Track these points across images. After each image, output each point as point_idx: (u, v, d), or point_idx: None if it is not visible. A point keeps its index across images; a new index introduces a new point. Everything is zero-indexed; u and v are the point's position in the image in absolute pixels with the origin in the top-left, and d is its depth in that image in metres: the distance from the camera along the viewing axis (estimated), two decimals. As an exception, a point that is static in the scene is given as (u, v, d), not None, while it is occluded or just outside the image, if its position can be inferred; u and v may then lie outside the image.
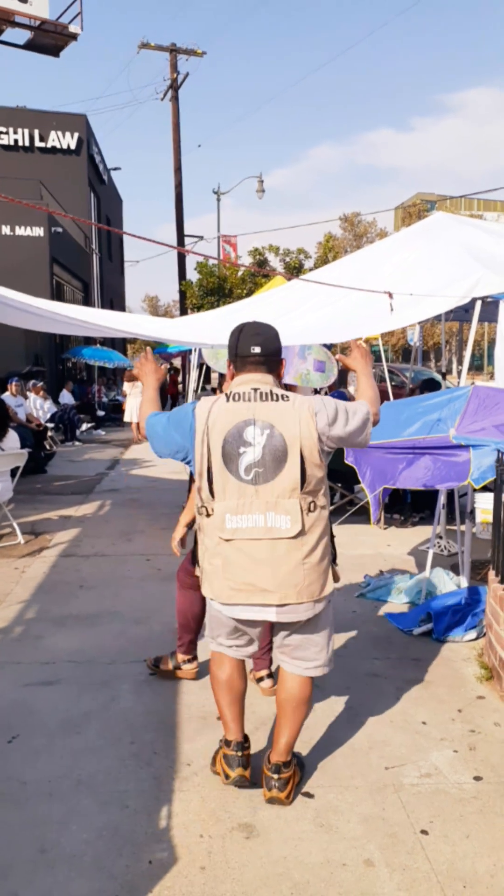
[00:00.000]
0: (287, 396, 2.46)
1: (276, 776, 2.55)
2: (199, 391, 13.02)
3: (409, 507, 6.86)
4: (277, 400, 2.43)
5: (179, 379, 22.17)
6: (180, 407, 2.55)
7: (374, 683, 3.53)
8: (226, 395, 2.47)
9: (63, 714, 3.22)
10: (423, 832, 2.42)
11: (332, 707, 3.29)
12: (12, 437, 6.21)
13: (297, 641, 2.57)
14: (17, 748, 2.93)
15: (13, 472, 6.32)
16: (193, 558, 2.78)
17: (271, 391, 2.45)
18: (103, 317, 6.84)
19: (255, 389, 2.44)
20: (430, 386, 7.79)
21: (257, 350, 2.49)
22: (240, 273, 21.77)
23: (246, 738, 2.68)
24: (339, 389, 8.33)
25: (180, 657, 3.54)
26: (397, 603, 4.63)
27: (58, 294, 17.93)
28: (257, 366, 2.50)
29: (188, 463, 2.54)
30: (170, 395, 21.08)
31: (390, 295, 4.69)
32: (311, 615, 2.48)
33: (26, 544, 6.12)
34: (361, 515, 6.88)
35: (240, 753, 2.60)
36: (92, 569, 5.45)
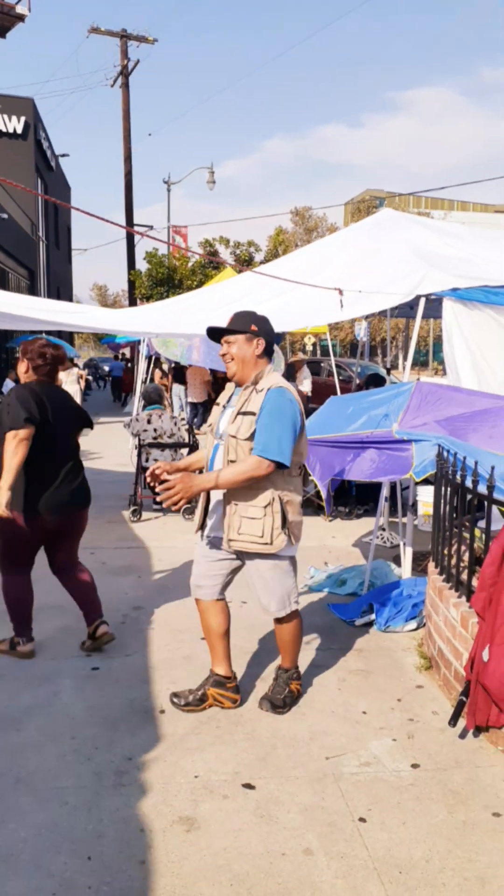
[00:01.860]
0: None
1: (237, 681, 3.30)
2: (147, 381, 12.88)
3: (353, 499, 6.96)
4: None
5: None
6: (283, 404, 2.88)
7: (317, 674, 3.57)
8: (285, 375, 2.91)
9: (2, 710, 3.16)
10: (362, 820, 2.46)
11: (275, 699, 3.31)
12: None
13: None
14: (-46, 747, 2.87)
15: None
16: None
17: None
18: (52, 307, 6.70)
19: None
20: (375, 381, 7.90)
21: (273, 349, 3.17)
22: (190, 264, 21.64)
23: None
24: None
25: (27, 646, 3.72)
26: (341, 594, 4.69)
27: (2, 282, 17.49)
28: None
29: None
30: (123, 389, 20.84)
31: (340, 291, 4.74)
32: None
33: None
34: (306, 507, 6.95)
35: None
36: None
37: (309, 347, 33.81)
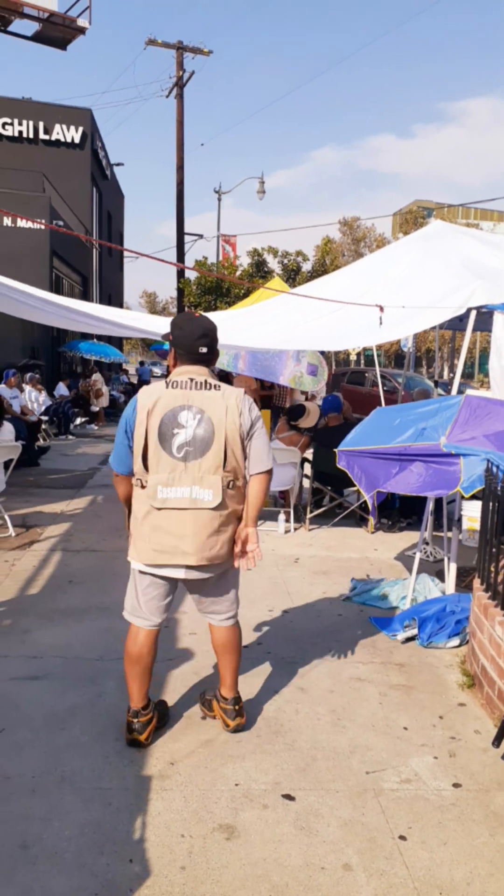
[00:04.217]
0: (219, 386, 2.86)
1: (235, 707, 3.08)
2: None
3: (396, 511, 6.90)
4: (210, 389, 2.84)
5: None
6: (122, 417, 2.89)
7: (357, 688, 3.56)
8: (166, 382, 2.85)
9: (49, 709, 3.24)
10: (402, 838, 2.45)
11: (315, 710, 3.32)
12: (7, 430, 6.22)
13: (211, 599, 3.04)
14: (2, 742, 2.95)
15: (6, 465, 6.32)
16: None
17: (206, 381, 2.86)
18: (104, 312, 6.83)
19: (192, 379, 2.84)
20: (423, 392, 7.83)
21: (204, 350, 2.89)
22: (238, 273, 21.78)
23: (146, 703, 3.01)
24: (333, 393, 8.36)
25: None
26: (382, 607, 4.66)
27: (57, 287, 17.89)
28: (199, 362, 2.90)
29: None
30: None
31: (381, 308, 4.73)
32: (217, 577, 2.96)
33: (17, 537, 6.12)
34: (349, 519, 6.92)
35: (136, 720, 2.96)
36: (81, 564, 5.46)
37: (353, 357, 33.69)
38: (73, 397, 15.57)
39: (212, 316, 9.35)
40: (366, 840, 2.43)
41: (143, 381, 23.41)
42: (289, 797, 2.66)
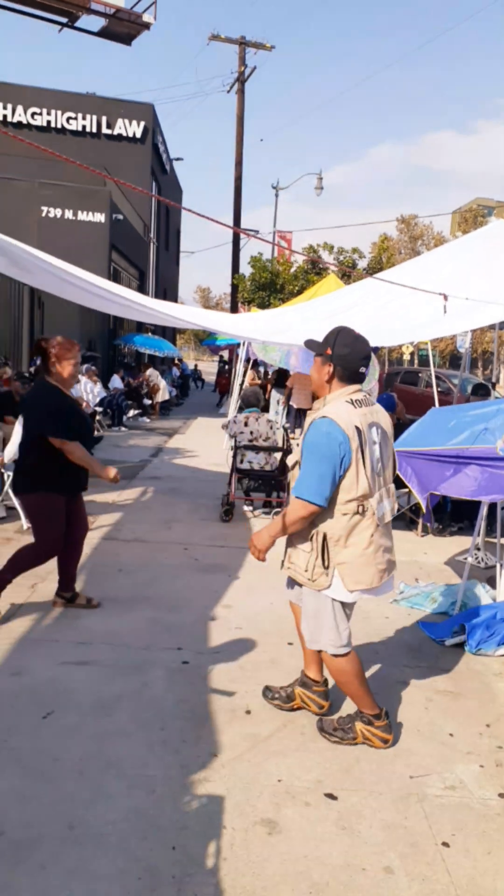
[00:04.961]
0: (372, 402, 2.98)
1: (327, 687, 3.22)
2: (243, 385, 13.03)
3: (448, 516, 6.79)
4: (373, 403, 2.97)
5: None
6: (320, 439, 2.73)
7: (403, 691, 3.53)
8: (348, 402, 2.82)
9: (96, 695, 3.30)
10: (445, 844, 2.42)
11: (360, 711, 3.30)
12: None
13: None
14: (51, 725, 3.02)
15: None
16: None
17: (367, 398, 2.95)
18: (160, 304, 6.92)
19: (366, 396, 2.94)
20: (481, 391, 7.67)
21: (364, 371, 2.92)
22: (293, 270, 21.73)
23: None
24: (387, 392, 8.28)
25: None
26: (431, 612, 4.60)
27: (114, 280, 18.17)
28: (359, 381, 2.94)
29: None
30: (220, 389, 21.21)
31: (445, 297, 4.63)
32: None
33: (69, 525, 6.25)
34: (398, 521, 6.85)
35: (388, 719, 3.04)
36: (131, 554, 5.55)
37: (406, 357, 33.22)
38: (127, 390, 15.81)
39: (266, 311, 9.37)
40: (408, 844, 2.41)
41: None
42: (331, 796, 2.65)
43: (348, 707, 3.24)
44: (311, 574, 2.85)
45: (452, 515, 6.81)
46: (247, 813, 2.53)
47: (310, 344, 3.02)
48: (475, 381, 14.67)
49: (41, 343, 4.07)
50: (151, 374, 17.05)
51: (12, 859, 2.23)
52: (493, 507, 5.80)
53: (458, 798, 2.68)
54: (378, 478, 2.85)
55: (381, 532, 2.84)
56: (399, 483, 5.59)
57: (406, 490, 7.20)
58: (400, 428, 6.35)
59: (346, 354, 2.85)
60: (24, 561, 4.12)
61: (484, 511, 4.94)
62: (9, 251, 5.76)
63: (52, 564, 5.17)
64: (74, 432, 3.94)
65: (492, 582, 5.00)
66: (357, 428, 2.74)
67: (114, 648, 3.82)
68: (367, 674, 3.67)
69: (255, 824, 2.47)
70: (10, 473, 6.18)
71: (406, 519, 6.85)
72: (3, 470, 6.31)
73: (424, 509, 4.24)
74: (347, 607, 2.94)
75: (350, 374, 2.88)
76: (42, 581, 4.81)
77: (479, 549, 5.91)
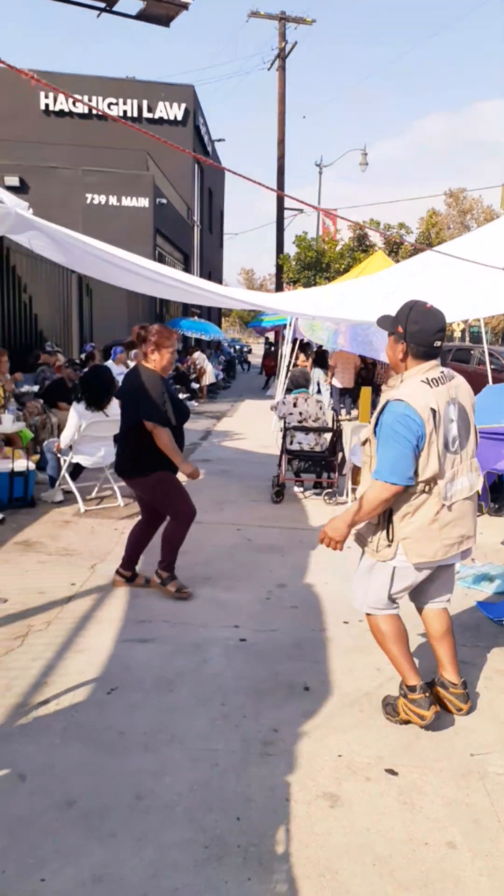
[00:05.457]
0: (453, 374, 2.90)
1: (465, 690, 3.09)
2: (291, 367, 12.99)
3: (504, 495, 6.68)
4: (453, 378, 2.88)
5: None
6: (396, 421, 2.69)
7: (461, 670, 3.50)
8: (424, 381, 2.76)
9: (158, 672, 3.39)
10: (508, 822, 2.42)
11: (418, 690, 3.30)
12: (117, 404, 6.44)
13: (443, 582, 3.09)
14: (116, 700, 3.12)
15: (116, 438, 6.58)
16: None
17: (446, 371, 2.88)
18: (208, 284, 6.92)
19: (442, 373, 2.84)
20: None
21: (439, 344, 2.82)
22: (338, 248, 21.48)
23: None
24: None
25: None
26: (488, 592, 4.55)
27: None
28: (435, 356, 2.85)
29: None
30: (267, 371, 21.17)
31: None
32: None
33: (125, 507, 6.39)
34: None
35: (428, 694, 2.95)
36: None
37: (457, 334, 32.53)
38: (175, 374, 15.93)
39: (313, 289, 9.28)
40: (470, 821, 2.42)
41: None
42: (392, 772, 2.68)
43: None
44: (375, 545, 2.89)
45: (508, 494, 6.68)
46: (308, 787, 2.58)
47: (382, 322, 2.96)
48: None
49: (140, 331, 4.18)
50: (198, 357, 17.13)
51: (85, 827, 2.33)
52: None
53: (521, 776, 2.67)
54: (454, 456, 2.81)
55: (449, 509, 2.80)
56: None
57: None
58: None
59: (417, 331, 2.79)
60: (174, 538, 4.30)
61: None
62: (55, 237, 5.85)
63: (111, 546, 5.30)
64: (164, 418, 4.05)
65: (550, 561, 4.92)
66: (432, 409, 2.69)
67: (173, 626, 3.90)
68: (425, 651, 3.67)
69: (317, 798, 2.52)
70: (66, 458, 6.33)
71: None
72: (59, 455, 6.46)
73: (480, 488, 4.17)
74: (404, 573, 2.91)
75: (424, 350, 2.80)
76: (101, 562, 4.94)
77: (535, 528, 5.81)
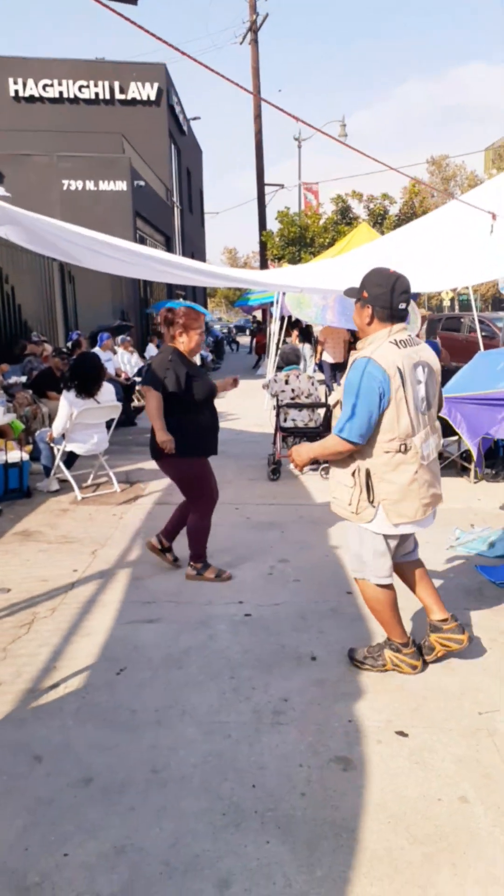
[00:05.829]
0: (418, 342, 3.00)
1: (458, 621, 3.19)
2: (280, 344, 12.94)
3: (501, 460, 6.72)
4: (419, 343, 2.99)
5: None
6: (359, 378, 2.78)
7: (467, 631, 3.55)
8: (392, 343, 2.84)
9: (165, 650, 3.42)
10: (518, 774, 2.47)
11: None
12: (107, 390, 6.43)
13: (415, 534, 3.17)
14: (125, 679, 3.15)
15: (108, 425, 6.57)
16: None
17: (413, 336, 2.98)
18: (194, 263, 6.86)
19: (409, 336, 2.93)
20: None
21: (404, 306, 2.90)
22: (322, 221, 21.32)
23: None
24: (430, 340, 8.14)
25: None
26: (489, 556, 4.60)
27: (141, 248, 18.11)
28: (402, 318, 2.93)
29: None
30: (258, 350, 21.09)
31: (494, 216, 4.45)
32: None
33: (122, 492, 6.40)
34: (450, 468, 6.81)
35: (417, 646, 3.18)
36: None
37: (446, 303, 32.50)
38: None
39: (300, 266, 9.23)
40: (481, 776, 2.47)
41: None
42: (402, 734, 2.72)
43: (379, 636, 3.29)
44: (354, 507, 2.94)
45: (504, 459, 6.73)
46: (321, 752, 2.62)
47: (349, 292, 3.06)
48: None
49: (167, 314, 4.22)
50: None
51: (104, 802, 2.36)
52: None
53: (529, 730, 2.72)
54: (422, 416, 2.90)
55: (425, 468, 2.91)
56: (449, 430, 5.54)
57: (455, 438, 7.15)
58: (445, 375, 6.28)
59: (380, 294, 2.87)
60: (196, 529, 4.33)
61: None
62: (31, 225, 5.77)
63: (111, 531, 5.32)
64: (159, 384, 4.03)
65: (547, 521, 4.96)
66: (399, 368, 2.76)
67: (178, 606, 3.93)
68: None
69: (329, 762, 2.56)
70: (60, 447, 6.33)
71: (458, 466, 6.80)
72: (52, 444, 6.45)
73: (475, 454, 4.21)
74: (391, 539, 3.02)
75: (390, 312, 2.88)
76: (102, 547, 4.96)
77: (531, 491, 5.85)
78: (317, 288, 6.63)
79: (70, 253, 7.30)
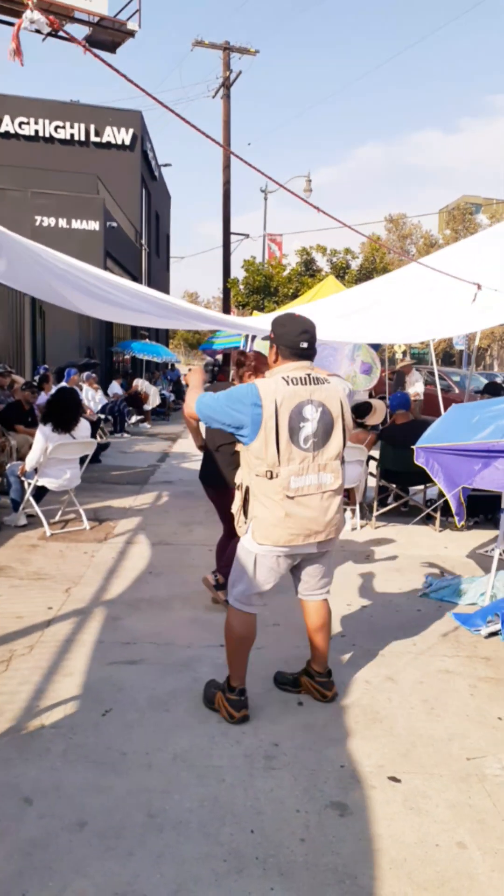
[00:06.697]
0: (328, 380, 3.09)
1: (331, 678, 3.34)
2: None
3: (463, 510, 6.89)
4: (323, 383, 3.06)
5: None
6: (238, 387, 3.02)
7: (446, 679, 3.62)
8: (284, 378, 2.98)
9: (150, 692, 3.38)
10: (511, 820, 2.52)
11: (407, 699, 3.39)
12: (83, 426, 6.41)
13: (320, 574, 3.27)
14: (112, 721, 3.10)
15: (81, 461, 6.53)
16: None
17: (318, 376, 3.06)
18: (171, 303, 6.90)
19: (308, 375, 3.03)
20: (493, 390, 7.80)
21: (305, 345, 3.06)
22: (286, 272, 21.86)
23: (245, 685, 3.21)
24: (398, 391, 8.39)
25: None
26: (461, 604, 4.70)
27: (109, 287, 18.20)
28: (305, 357, 3.07)
29: (239, 433, 3.00)
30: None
31: (479, 286, 4.68)
32: (329, 551, 3.24)
33: (92, 530, 6.33)
34: (414, 517, 6.96)
35: (243, 697, 3.17)
36: (158, 556, 5.62)
37: (399, 355, 33.41)
38: (126, 396, 15.84)
39: (289, 309, 9.44)
40: (476, 821, 2.51)
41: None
42: (394, 779, 2.75)
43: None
44: (237, 519, 3.17)
45: (468, 510, 6.91)
46: (316, 797, 2.62)
47: (266, 338, 3.30)
48: (474, 379, 14.80)
49: (239, 357, 4.49)
50: (140, 383, 16.99)
51: (101, 847, 2.31)
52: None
53: (517, 777, 2.78)
54: (305, 453, 2.96)
55: (294, 502, 2.96)
56: (425, 478, 5.69)
57: (422, 487, 7.33)
58: (415, 425, 6.47)
59: (282, 333, 3.07)
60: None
61: (506, 503, 5.05)
62: (15, 252, 5.77)
63: (83, 569, 5.25)
64: None
65: (516, 573, 5.11)
66: (276, 401, 2.90)
67: (159, 647, 3.89)
68: (409, 663, 3.77)
69: (325, 807, 2.56)
70: (31, 481, 6.24)
71: (423, 515, 6.96)
72: (24, 478, 6.37)
73: (453, 504, 4.33)
74: (265, 563, 3.07)
75: (290, 351, 3.06)
76: (75, 585, 4.89)
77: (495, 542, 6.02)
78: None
79: (48, 290, 7.33)
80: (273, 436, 2.90)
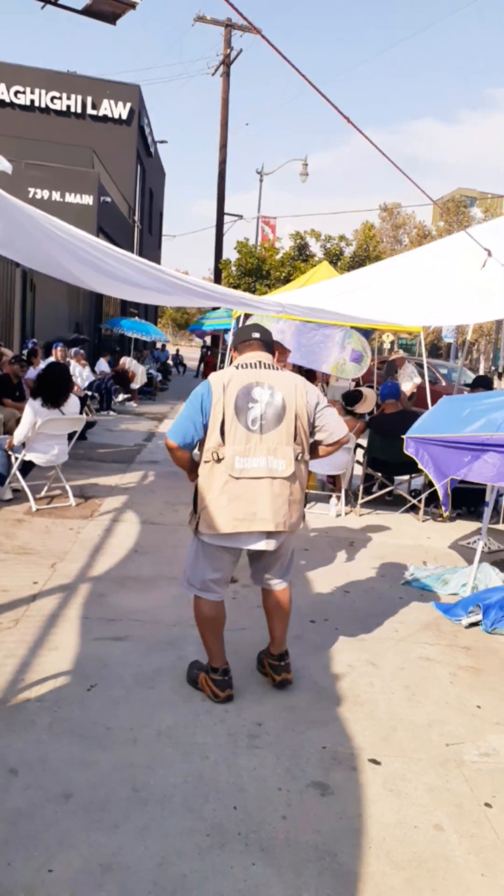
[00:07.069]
0: (286, 372, 3.16)
1: (283, 662, 3.30)
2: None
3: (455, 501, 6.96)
4: (277, 370, 3.14)
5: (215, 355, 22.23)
6: (193, 393, 3.09)
7: (427, 667, 3.69)
8: (236, 366, 3.11)
9: (135, 668, 3.41)
10: (487, 805, 2.58)
11: (388, 685, 3.45)
12: (73, 403, 6.38)
13: (275, 566, 3.27)
14: (97, 696, 3.12)
15: (69, 437, 6.51)
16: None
17: (271, 364, 3.15)
18: (180, 281, 6.75)
19: (259, 361, 3.12)
20: (483, 384, 7.85)
21: (256, 335, 3.21)
22: (279, 255, 21.74)
23: (228, 665, 3.23)
24: (388, 381, 8.42)
25: None
26: (443, 593, 4.77)
27: (100, 263, 18.01)
28: (257, 348, 3.18)
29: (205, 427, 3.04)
30: (206, 372, 21.17)
31: (489, 253, 4.65)
32: (285, 543, 3.20)
33: (77, 507, 6.32)
34: (398, 506, 7.03)
35: (227, 677, 3.18)
36: (144, 535, 5.64)
37: (387, 346, 33.42)
38: (114, 374, 15.75)
39: (282, 293, 9.35)
40: (453, 805, 2.57)
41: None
42: (375, 762, 2.80)
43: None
44: (189, 517, 3.21)
45: (452, 502, 6.98)
46: (298, 777, 2.66)
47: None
48: (462, 372, 14.87)
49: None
50: (127, 361, 16.88)
51: (86, 819, 2.34)
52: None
53: (494, 763, 2.85)
54: (252, 434, 2.97)
55: (238, 483, 2.95)
56: (412, 468, 5.74)
57: (408, 477, 7.39)
58: (404, 415, 6.52)
59: (237, 335, 3.31)
60: None
61: (493, 497, 5.11)
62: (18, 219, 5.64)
63: (68, 545, 5.25)
64: None
65: (499, 566, 5.19)
66: (224, 384, 2.99)
67: (144, 625, 3.92)
68: (390, 649, 3.83)
69: (307, 787, 2.61)
70: (18, 455, 6.21)
71: (408, 504, 7.02)
72: (11, 452, 6.33)
73: (441, 493, 4.39)
74: (212, 552, 3.12)
75: (244, 344, 3.22)
76: (61, 560, 4.89)
77: (478, 534, 6.10)
78: (334, 313, 6.56)
79: (44, 260, 7.22)
80: (220, 418, 2.95)
